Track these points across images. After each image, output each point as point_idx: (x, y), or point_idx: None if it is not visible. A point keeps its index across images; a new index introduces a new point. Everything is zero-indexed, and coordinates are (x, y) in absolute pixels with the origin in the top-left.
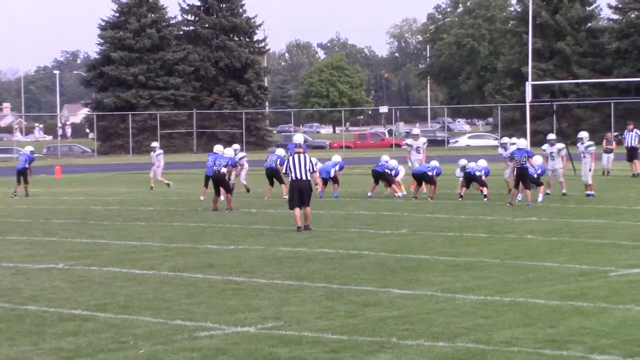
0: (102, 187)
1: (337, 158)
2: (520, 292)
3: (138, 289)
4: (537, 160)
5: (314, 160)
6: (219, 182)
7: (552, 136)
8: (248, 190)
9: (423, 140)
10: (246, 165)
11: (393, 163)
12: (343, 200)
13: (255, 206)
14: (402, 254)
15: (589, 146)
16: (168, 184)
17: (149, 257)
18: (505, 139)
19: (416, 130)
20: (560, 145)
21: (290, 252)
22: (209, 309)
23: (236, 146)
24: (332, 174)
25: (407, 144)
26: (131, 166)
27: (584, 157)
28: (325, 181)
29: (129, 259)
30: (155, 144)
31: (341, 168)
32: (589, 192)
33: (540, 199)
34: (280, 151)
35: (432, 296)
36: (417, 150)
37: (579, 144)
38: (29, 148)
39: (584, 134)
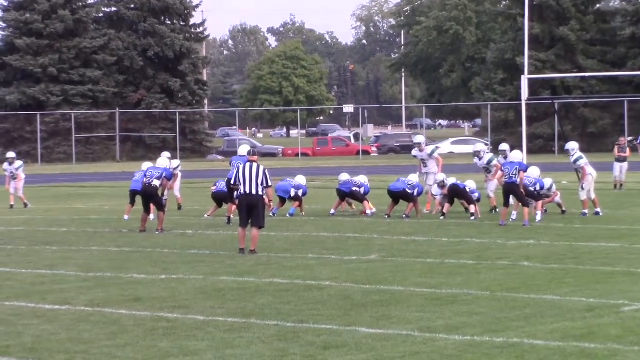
0: (4, 204)
1: (301, 180)
2: (515, 331)
3: (48, 327)
4: (534, 172)
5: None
6: (151, 197)
7: (569, 145)
8: (180, 207)
9: (430, 149)
10: (179, 175)
11: (362, 179)
12: (299, 219)
13: (192, 227)
14: (371, 285)
15: (577, 160)
16: (26, 204)
17: (61, 289)
18: (480, 146)
19: (419, 137)
20: (577, 155)
21: (234, 282)
22: (135, 352)
23: (167, 154)
24: (292, 194)
25: (414, 156)
26: (40, 178)
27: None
28: (283, 201)
29: (37, 291)
30: (12, 154)
31: (304, 194)
32: (583, 210)
33: (538, 217)
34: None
35: (408, 336)
36: (424, 163)
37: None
38: None
39: (570, 146)
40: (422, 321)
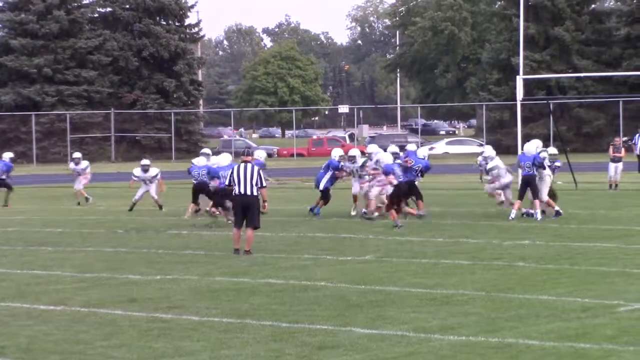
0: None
1: (336, 152)
2: (510, 332)
3: (43, 328)
4: (531, 148)
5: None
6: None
7: (552, 150)
8: (160, 207)
9: (361, 161)
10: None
11: (355, 152)
12: (294, 219)
13: (187, 227)
14: (366, 286)
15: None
16: (87, 198)
17: (57, 290)
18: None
19: (353, 150)
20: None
21: (229, 283)
22: (130, 352)
23: (146, 161)
24: (321, 187)
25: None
26: (35, 178)
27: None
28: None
29: (32, 291)
30: (78, 154)
31: (335, 168)
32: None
33: (538, 217)
34: (202, 160)
35: (403, 337)
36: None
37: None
38: (8, 154)
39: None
40: (417, 321)
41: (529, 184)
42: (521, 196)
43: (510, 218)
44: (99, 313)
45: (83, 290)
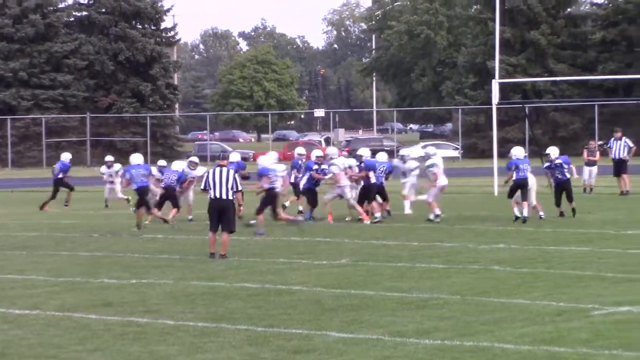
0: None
1: (314, 153)
2: (485, 335)
3: (18, 333)
4: (519, 153)
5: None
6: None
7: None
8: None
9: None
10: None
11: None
12: (270, 223)
13: (163, 231)
14: (342, 289)
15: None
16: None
17: (31, 294)
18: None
19: (316, 151)
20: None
21: (205, 287)
22: (105, 357)
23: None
24: (301, 186)
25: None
26: (11, 182)
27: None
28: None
29: (6, 296)
30: (110, 157)
31: (308, 168)
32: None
33: (525, 213)
34: (179, 164)
35: (379, 340)
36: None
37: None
38: (67, 155)
39: (408, 150)
40: (393, 325)
41: (522, 187)
42: (510, 196)
43: (515, 216)
44: (74, 317)
45: (57, 294)
